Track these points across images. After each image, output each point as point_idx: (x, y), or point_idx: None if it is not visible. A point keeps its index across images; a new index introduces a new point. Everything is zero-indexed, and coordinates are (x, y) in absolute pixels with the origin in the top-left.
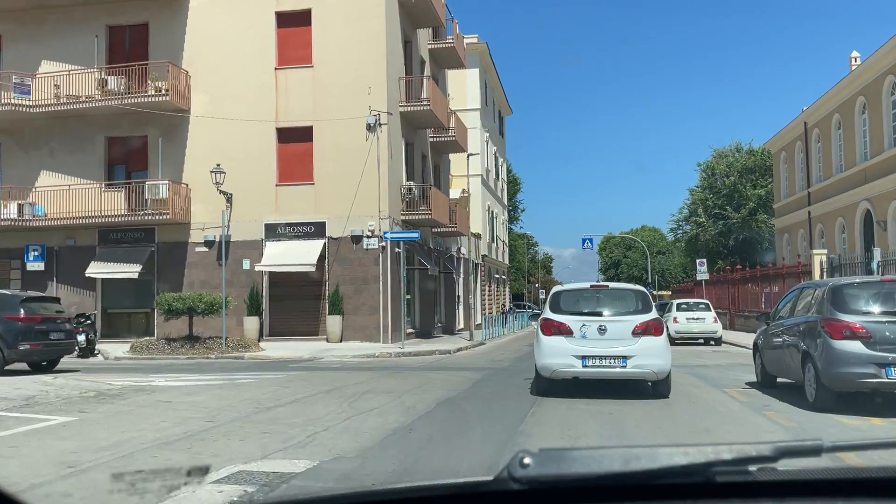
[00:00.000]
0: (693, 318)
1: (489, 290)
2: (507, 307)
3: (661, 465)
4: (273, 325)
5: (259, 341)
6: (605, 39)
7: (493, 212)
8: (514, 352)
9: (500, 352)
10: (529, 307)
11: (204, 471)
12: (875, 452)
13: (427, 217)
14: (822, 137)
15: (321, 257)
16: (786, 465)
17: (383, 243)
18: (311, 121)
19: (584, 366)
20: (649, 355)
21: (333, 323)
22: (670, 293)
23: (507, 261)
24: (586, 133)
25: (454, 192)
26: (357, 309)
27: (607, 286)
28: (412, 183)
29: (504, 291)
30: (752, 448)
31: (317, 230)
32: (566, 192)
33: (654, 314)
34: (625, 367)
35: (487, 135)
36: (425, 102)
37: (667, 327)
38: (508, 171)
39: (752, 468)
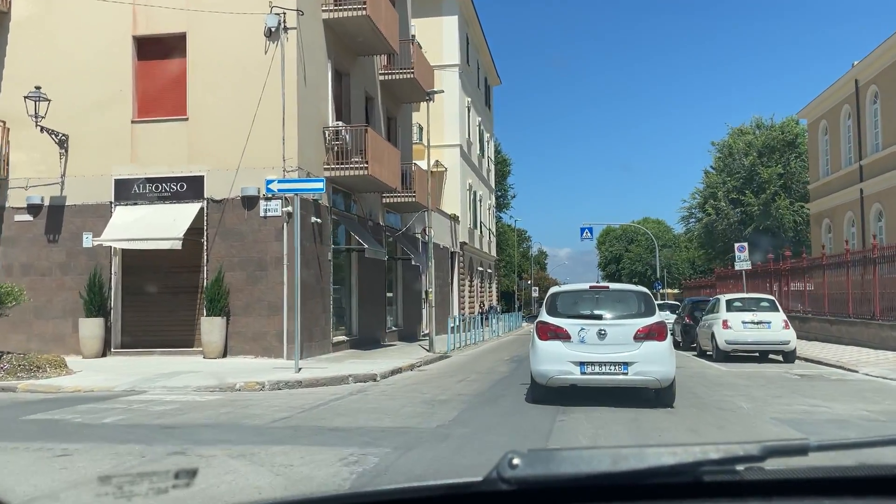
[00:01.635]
0: (754, 323)
1: (470, 286)
2: (487, 306)
3: (650, 465)
4: (128, 332)
5: (104, 355)
6: (605, 32)
7: (476, 193)
8: (483, 375)
9: (459, 377)
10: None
11: (193, 473)
12: (862, 451)
13: (362, 173)
14: (881, 95)
15: (196, 229)
16: (773, 465)
17: (289, 208)
18: (184, 26)
19: (583, 373)
20: (652, 362)
21: (211, 329)
22: (678, 291)
23: (494, 252)
24: (582, 128)
25: (423, 164)
26: (250, 307)
27: (608, 287)
28: (341, 123)
29: (490, 287)
30: (739, 448)
31: (191, 188)
32: (562, 190)
33: (657, 317)
34: (626, 374)
35: (469, 100)
36: (360, 6)
37: (713, 335)
38: (497, 151)
39: (740, 468)
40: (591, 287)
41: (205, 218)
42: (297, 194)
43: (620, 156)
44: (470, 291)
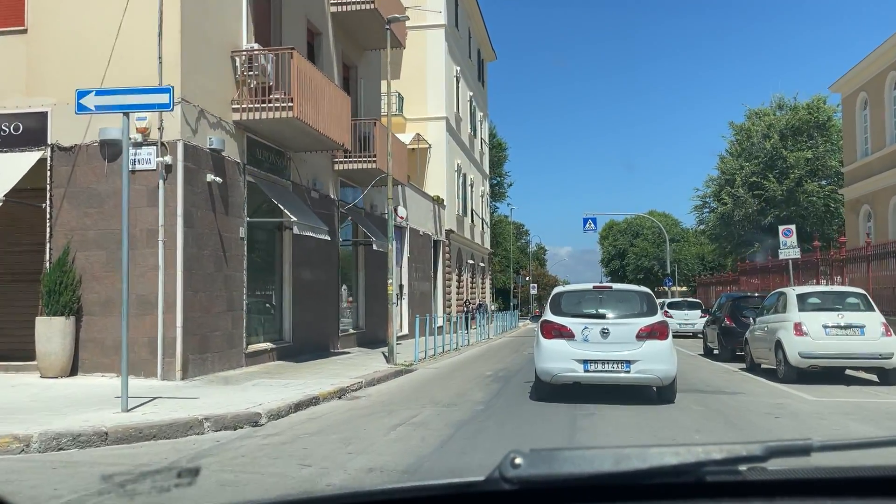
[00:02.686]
0: (840, 327)
1: (459, 280)
2: (476, 303)
3: (652, 465)
4: None
5: None
6: (608, 31)
7: (465, 175)
8: (442, 409)
9: (403, 413)
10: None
11: (195, 472)
12: (865, 451)
13: (285, 116)
14: None
15: (36, 189)
16: (776, 465)
17: (168, 158)
18: None
19: (586, 370)
20: (654, 360)
21: (49, 335)
22: (685, 289)
23: (487, 245)
24: (585, 124)
25: (404, 137)
26: (111, 303)
27: (611, 287)
28: (257, 46)
29: (483, 283)
30: (742, 448)
31: (29, 130)
32: (562, 188)
33: (659, 317)
34: (628, 371)
35: (458, 69)
36: None
37: (780, 344)
38: (492, 135)
39: (743, 468)
40: (594, 287)
41: (48, 172)
42: (126, 113)
43: (623, 153)
44: (458, 287)
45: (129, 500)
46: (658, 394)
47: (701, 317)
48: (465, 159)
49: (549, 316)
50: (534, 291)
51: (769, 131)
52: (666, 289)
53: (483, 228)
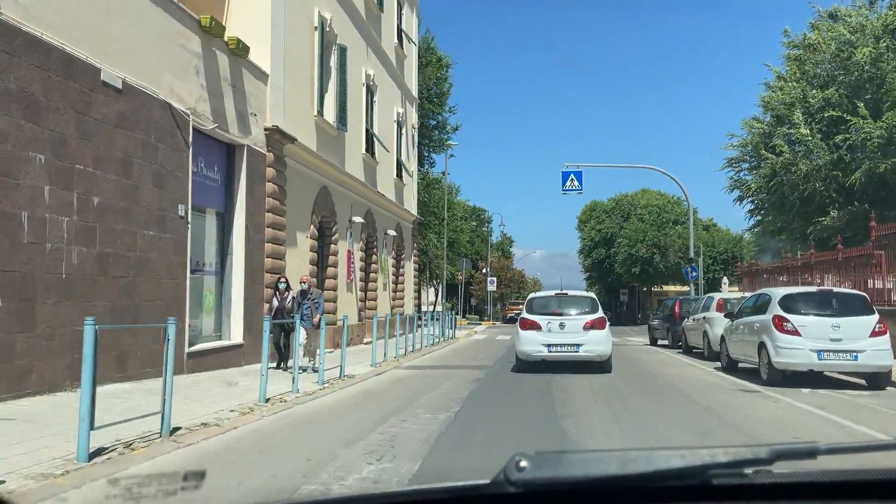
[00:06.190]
0: None
1: (322, 250)
2: (284, 293)
3: (658, 467)
4: None
5: None
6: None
7: (345, 53)
8: None
9: None
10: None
11: (201, 475)
12: (870, 455)
13: None
14: None
15: None
16: (781, 468)
17: None
18: None
19: (550, 351)
20: (595, 343)
21: None
22: (686, 287)
23: (411, 207)
24: (579, 113)
25: None
26: None
27: (567, 293)
28: None
29: (400, 267)
30: (747, 451)
31: None
32: (537, 183)
33: (600, 314)
34: (577, 352)
35: None
36: None
37: None
38: (429, 47)
39: (748, 471)
40: (556, 294)
41: None
42: None
43: (618, 144)
44: (323, 264)
45: (135, 503)
46: (600, 366)
47: (875, 333)
48: (349, 26)
49: (525, 314)
50: (492, 287)
51: (858, 36)
52: (690, 283)
53: (402, 176)
